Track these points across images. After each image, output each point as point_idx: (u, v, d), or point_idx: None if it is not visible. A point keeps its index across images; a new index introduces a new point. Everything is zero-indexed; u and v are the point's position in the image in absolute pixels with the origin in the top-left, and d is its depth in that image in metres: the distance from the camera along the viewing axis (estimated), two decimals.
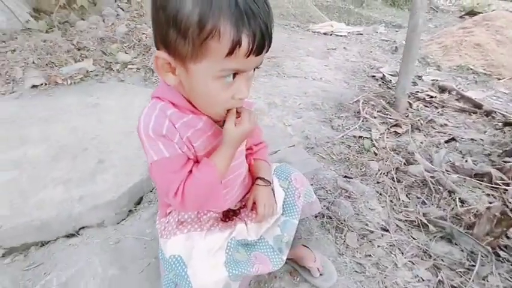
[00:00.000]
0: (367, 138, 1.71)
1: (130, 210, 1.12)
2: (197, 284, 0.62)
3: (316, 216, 1.17)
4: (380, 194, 1.30)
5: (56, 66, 1.99)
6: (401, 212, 1.20)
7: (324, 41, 4.27)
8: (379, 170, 1.44)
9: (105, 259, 0.93)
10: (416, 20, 1.74)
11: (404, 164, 1.47)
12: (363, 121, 1.92)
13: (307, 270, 0.93)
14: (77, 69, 1.99)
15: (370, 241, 1.07)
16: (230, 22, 0.44)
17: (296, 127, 1.81)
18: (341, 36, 4.64)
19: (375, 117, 1.97)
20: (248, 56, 0.48)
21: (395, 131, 1.77)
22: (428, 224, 1.10)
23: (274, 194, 0.80)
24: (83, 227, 1.04)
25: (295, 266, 0.97)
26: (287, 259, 0.95)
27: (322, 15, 5.25)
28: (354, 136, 1.75)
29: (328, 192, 1.29)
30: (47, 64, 1.96)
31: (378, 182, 1.37)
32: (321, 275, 0.91)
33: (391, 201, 1.27)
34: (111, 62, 2.15)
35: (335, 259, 1.01)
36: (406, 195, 1.29)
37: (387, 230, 1.10)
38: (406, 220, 1.15)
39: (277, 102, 2.07)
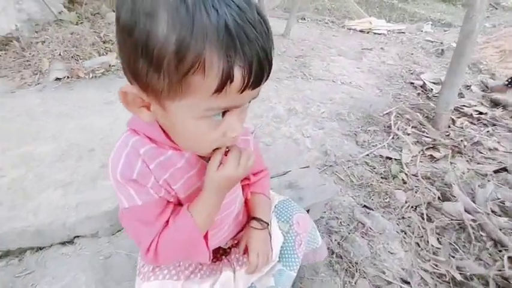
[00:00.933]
0: (396, 160, 1.50)
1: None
2: None
3: None
4: (404, 234, 1.11)
5: (81, 59, 2.02)
6: (428, 260, 1.01)
7: (359, 39, 3.95)
8: (406, 203, 1.25)
9: (92, 277, 0.88)
10: (473, 24, 1.46)
11: (439, 198, 1.25)
12: (393, 138, 1.70)
13: None
14: (99, 63, 1.99)
15: None
16: (218, 51, 0.32)
17: (315, 139, 1.64)
18: (379, 34, 4.26)
19: (408, 134, 1.74)
20: (242, 92, 0.36)
21: (431, 155, 1.53)
22: (464, 282, 0.91)
23: (271, 238, 0.68)
24: (78, 236, 1.01)
25: None
26: None
27: (360, 10, 4.85)
28: (381, 156, 1.54)
29: (342, 224, 1.13)
30: (72, 57, 2.00)
31: (403, 218, 1.19)
32: None
33: (417, 244, 1.08)
34: None
35: None
36: (438, 240, 1.09)
37: (408, 283, 0.93)
38: (434, 272, 0.96)
39: (298, 109, 1.91)
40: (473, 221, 1.09)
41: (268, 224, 0.68)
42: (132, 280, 0.88)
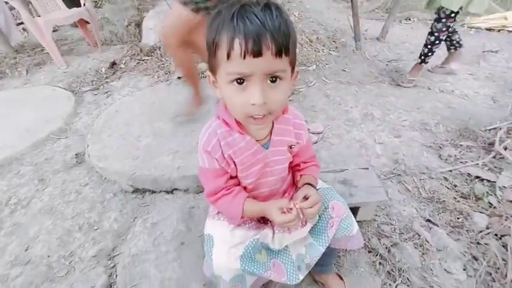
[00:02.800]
0: (489, 182, 1.28)
1: None
2: (216, 263, 0.76)
3: (369, 252, 1.06)
4: (474, 260, 0.99)
5: (197, 62, 2.60)
6: None
7: (483, 39, 3.27)
8: (487, 228, 1.08)
9: (180, 217, 1.24)
10: None
11: None
12: (494, 157, 1.44)
13: None
14: (206, 67, 2.52)
15: None
16: (227, 32, 0.54)
17: (388, 147, 1.58)
18: None
19: None
20: (244, 57, 0.53)
21: None
22: None
23: None
24: (176, 189, 1.41)
25: None
26: (319, 282, 0.96)
27: (493, 5, 3.94)
28: (469, 175, 1.35)
29: (395, 231, 1.11)
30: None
31: (477, 243, 1.04)
32: None
33: (488, 273, 0.94)
34: None
35: None
36: None
37: None
38: None
39: (376, 115, 1.85)
40: None
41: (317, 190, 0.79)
42: (204, 226, 1.19)
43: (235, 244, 0.77)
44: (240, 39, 0.52)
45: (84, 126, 1.92)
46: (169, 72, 2.53)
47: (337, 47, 2.86)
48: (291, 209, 0.68)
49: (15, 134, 1.85)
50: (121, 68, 2.73)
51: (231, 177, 0.76)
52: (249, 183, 0.78)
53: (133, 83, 2.47)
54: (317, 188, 0.85)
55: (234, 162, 0.73)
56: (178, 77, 2.41)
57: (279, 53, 0.54)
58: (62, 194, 1.39)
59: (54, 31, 3.74)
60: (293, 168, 0.88)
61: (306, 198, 0.71)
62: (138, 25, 3.30)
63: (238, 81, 0.57)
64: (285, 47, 0.54)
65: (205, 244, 0.83)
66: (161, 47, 2.82)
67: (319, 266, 0.86)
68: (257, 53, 0.52)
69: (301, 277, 0.79)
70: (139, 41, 3.16)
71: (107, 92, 2.35)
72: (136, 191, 1.42)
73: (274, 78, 0.57)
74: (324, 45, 2.86)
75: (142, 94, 2.21)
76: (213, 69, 0.62)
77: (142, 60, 2.79)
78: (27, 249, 1.15)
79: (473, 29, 3.63)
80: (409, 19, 4.07)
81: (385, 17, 3.59)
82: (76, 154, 1.63)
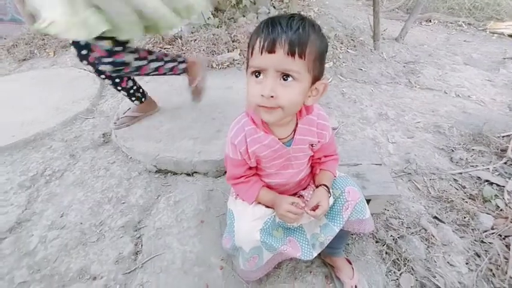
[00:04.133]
0: (498, 186, 1.33)
1: (225, 172, 1.50)
2: (238, 235, 0.85)
3: (376, 242, 1.13)
4: (477, 256, 1.05)
5: (216, 53, 2.67)
6: None
7: (503, 46, 3.23)
8: (492, 228, 1.14)
9: (200, 198, 1.34)
10: None
11: None
12: (505, 163, 1.48)
13: (341, 284, 0.98)
14: (227, 57, 2.58)
15: None
16: (255, 35, 0.65)
17: (401, 146, 1.63)
18: None
19: None
20: (262, 53, 0.62)
21: None
22: None
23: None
24: (196, 172, 1.50)
25: (332, 273, 1.03)
26: (328, 264, 1.04)
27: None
28: (478, 178, 1.40)
29: (403, 225, 1.18)
30: (211, 52, 2.67)
31: (481, 242, 1.10)
32: None
33: (489, 270, 1.01)
34: None
35: None
36: None
37: None
38: None
39: (390, 115, 1.90)
40: None
41: (330, 190, 0.88)
42: (222, 207, 1.29)
43: (256, 218, 0.86)
44: (261, 38, 0.62)
45: (109, 108, 2.02)
46: None
47: (355, 46, 2.87)
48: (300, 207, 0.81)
49: (45, 111, 1.97)
50: None
51: (250, 168, 0.87)
52: (271, 173, 0.87)
53: None
54: (335, 177, 0.93)
55: (257, 156, 0.82)
56: None
57: (291, 53, 0.61)
58: (91, 169, 1.50)
59: None
60: (313, 160, 0.94)
61: (317, 206, 0.81)
62: None
63: (256, 74, 0.66)
64: (299, 50, 0.61)
65: (228, 218, 0.93)
66: (182, 37, 2.90)
67: (330, 248, 0.93)
68: (271, 50, 0.61)
69: (315, 254, 0.87)
70: None
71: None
72: (159, 171, 1.52)
73: (286, 77, 0.64)
74: (342, 43, 2.88)
75: (164, 81, 2.30)
76: (247, 65, 0.71)
77: (164, 48, 2.87)
78: (62, 216, 1.27)
79: (495, 35, 3.57)
80: (430, 21, 4.02)
81: (405, 17, 3.57)
82: (103, 134, 1.74)
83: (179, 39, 2.90)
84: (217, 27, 3.04)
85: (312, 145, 0.85)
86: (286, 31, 0.61)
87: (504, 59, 2.87)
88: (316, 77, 0.68)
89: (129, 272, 1.06)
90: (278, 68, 0.62)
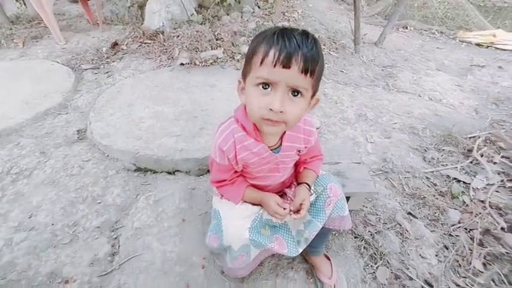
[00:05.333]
0: (465, 184, 1.42)
1: (208, 171, 1.48)
2: (227, 235, 0.83)
3: (355, 237, 1.17)
4: (445, 249, 1.12)
5: (199, 51, 2.62)
6: (464, 277, 1.01)
7: (471, 54, 3.46)
8: (459, 223, 1.22)
9: (182, 196, 1.31)
10: None
11: (503, 229, 1.17)
12: (471, 162, 1.58)
13: (322, 283, 1.00)
14: (210, 55, 2.55)
15: (402, 286, 0.99)
16: (266, 43, 0.62)
17: (378, 146, 1.70)
18: (504, 50, 3.60)
19: (494, 163, 1.58)
20: (275, 66, 0.60)
21: None
22: None
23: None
24: (178, 170, 1.47)
25: (313, 272, 1.04)
26: (309, 262, 1.05)
27: (483, 20, 4.16)
28: (448, 176, 1.49)
29: (380, 220, 1.22)
30: (193, 49, 2.62)
31: (449, 235, 1.18)
32: None
33: (456, 261, 1.07)
34: (235, 53, 2.62)
35: (355, 285, 1.01)
36: (483, 265, 1.06)
37: (431, 286, 0.97)
38: None
39: (369, 116, 1.97)
40: None
41: (311, 188, 0.90)
42: (205, 205, 1.27)
43: (244, 217, 0.86)
44: (276, 50, 0.60)
45: (85, 104, 1.93)
46: (172, 57, 2.55)
47: (337, 48, 2.95)
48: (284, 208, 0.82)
49: (13, 105, 1.84)
50: (122, 49, 2.71)
51: (235, 171, 0.86)
52: (257, 176, 0.88)
53: (134, 65, 2.47)
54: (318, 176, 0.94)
55: (245, 162, 0.82)
56: (181, 64, 2.43)
57: (305, 71, 0.61)
58: (64, 167, 1.42)
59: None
60: (299, 160, 0.95)
61: (301, 205, 0.83)
62: (141, 7, 3.26)
63: (264, 86, 0.64)
64: (311, 68, 0.61)
65: (213, 218, 0.91)
66: (164, 32, 2.82)
67: (311, 247, 0.95)
68: (286, 65, 0.59)
69: (300, 250, 0.88)
70: (141, 24, 3.14)
71: (107, 72, 2.34)
72: (138, 169, 1.47)
73: (296, 93, 0.64)
74: (324, 45, 2.94)
75: (145, 77, 2.23)
76: (244, 74, 0.69)
77: (145, 43, 2.78)
78: (30, 217, 1.19)
79: (464, 43, 3.83)
80: (406, 27, 4.23)
81: (383, 23, 3.72)
82: (78, 130, 1.65)
83: (161, 35, 2.82)
84: (201, 24, 3.00)
85: (299, 151, 0.86)
86: (302, 48, 0.59)
87: (471, 66, 3.08)
88: (315, 92, 0.69)
89: (105, 274, 1.01)
90: (290, 83, 0.62)
